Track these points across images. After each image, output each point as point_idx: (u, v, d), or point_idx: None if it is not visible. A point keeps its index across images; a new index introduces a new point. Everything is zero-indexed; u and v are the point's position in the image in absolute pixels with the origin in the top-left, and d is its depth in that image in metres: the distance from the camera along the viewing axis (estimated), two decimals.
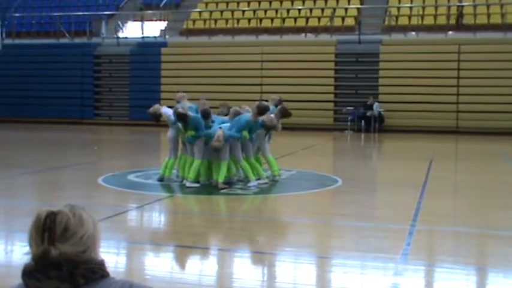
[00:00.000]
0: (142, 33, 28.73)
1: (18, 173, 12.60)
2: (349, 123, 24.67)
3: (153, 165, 13.35)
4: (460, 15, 26.29)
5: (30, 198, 10.37)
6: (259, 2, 29.11)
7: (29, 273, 1.92)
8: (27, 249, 1.96)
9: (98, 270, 1.95)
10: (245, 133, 10.55)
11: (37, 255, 1.90)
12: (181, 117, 10.49)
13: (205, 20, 28.65)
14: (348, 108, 24.99)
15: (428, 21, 26.27)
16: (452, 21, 25.69)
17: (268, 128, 10.84)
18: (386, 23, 26.89)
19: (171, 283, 5.75)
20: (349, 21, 27.23)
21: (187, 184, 10.57)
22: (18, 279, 1.98)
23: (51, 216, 1.91)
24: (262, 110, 10.57)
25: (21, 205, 9.42)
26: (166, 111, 11.27)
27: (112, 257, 6.61)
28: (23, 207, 9.21)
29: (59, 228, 1.90)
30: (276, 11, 28.15)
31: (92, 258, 1.95)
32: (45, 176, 10.71)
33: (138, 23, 29.32)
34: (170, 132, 11.37)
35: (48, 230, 1.89)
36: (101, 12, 30.42)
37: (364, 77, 25.41)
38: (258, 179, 10.94)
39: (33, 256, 1.91)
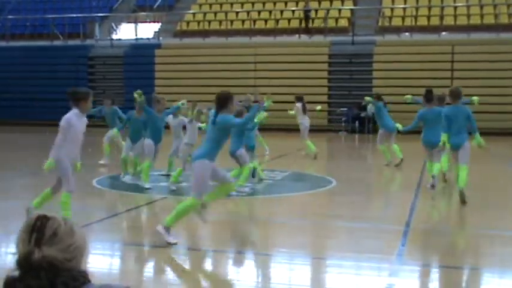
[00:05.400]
0: (136, 35, 28.69)
1: (13, 175, 12.56)
2: (343, 124, 24.67)
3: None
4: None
5: (25, 200, 10.31)
6: (253, 4, 29.11)
7: (8, 285, 1.89)
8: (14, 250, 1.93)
9: (80, 278, 1.92)
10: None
11: (21, 256, 1.88)
12: None
13: (199, 22, 28.62)
14: (342, 109, 25.01)
15: (422, 22, 26.31)
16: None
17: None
18: (379, 24, 26.93)
19: (166, 285, 5.74)
20: (343, 23, 27.27)
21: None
22: None
23: (43, 220, 1.91)
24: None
25: (16, 207, 9.38)
26: None
27: (106, 258, 6.59)
28: (18, 209, 9.16)
29: (48, 231, 1.89)
30: (270, 12, 28.15)
31: (75, 267, 1.94)
32: (39, 178, 10.66)
33: (132, 25, 29.28)
34: None
35: (37, 232, 1.88)
36: (95, 14, 30.37)
37: (358, 78, 25.42)
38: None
39: (18, 257, 1.89)
